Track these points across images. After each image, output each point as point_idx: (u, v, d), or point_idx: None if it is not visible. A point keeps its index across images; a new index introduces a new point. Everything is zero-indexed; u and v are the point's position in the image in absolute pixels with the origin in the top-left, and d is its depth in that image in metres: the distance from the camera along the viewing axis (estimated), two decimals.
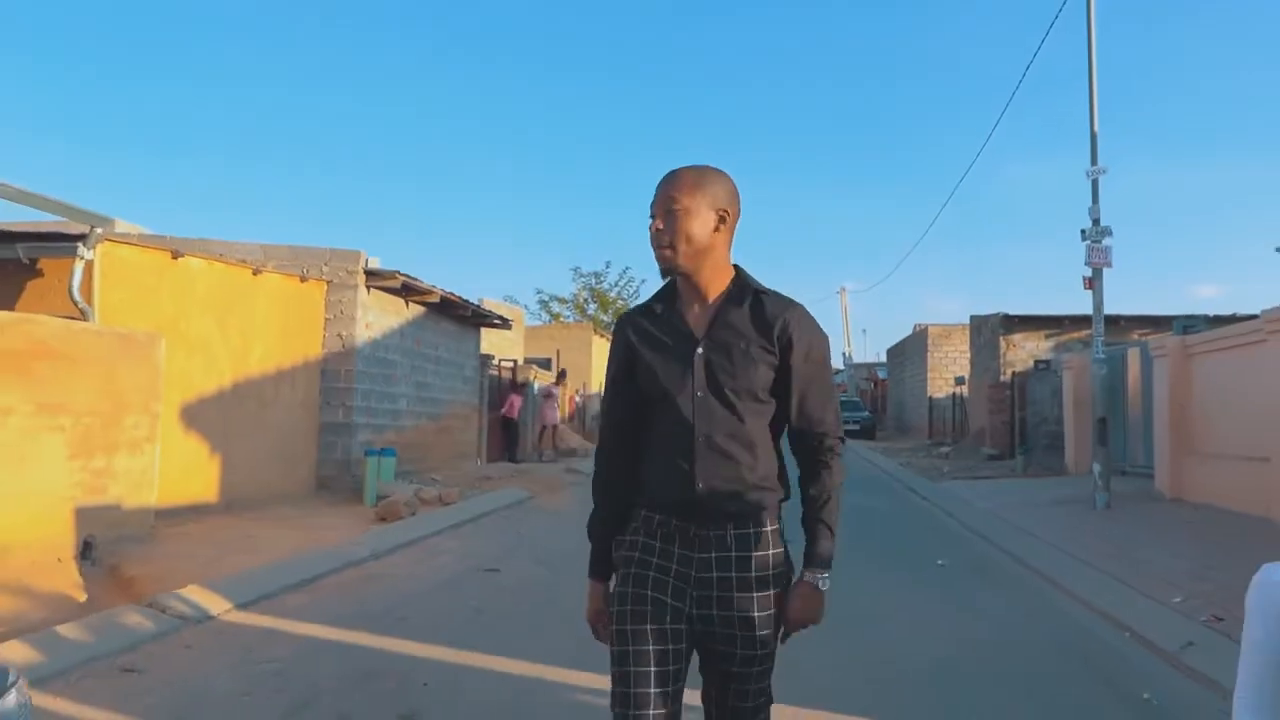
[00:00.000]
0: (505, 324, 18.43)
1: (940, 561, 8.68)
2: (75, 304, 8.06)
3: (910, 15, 76.88)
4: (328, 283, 12.31)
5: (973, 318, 30.66)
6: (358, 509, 11.20)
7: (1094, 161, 11.95)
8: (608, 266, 44.70)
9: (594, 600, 2.22)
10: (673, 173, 2.10)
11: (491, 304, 23.33)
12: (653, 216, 2.08)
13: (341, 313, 12.41)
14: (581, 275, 44.05)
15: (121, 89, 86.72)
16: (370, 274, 12.59)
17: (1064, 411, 17.87)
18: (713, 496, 2.03)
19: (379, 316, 13.19)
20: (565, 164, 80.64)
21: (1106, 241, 11.81)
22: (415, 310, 14.53)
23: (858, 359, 55.49)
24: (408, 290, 13.38)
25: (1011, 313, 26.02)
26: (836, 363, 59.02)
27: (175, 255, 9.55)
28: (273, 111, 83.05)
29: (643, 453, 2.15)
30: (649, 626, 2.02)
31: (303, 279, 11.88)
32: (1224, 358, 11.27)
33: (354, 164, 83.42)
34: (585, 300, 43.65)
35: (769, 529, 2.09)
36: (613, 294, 43.62)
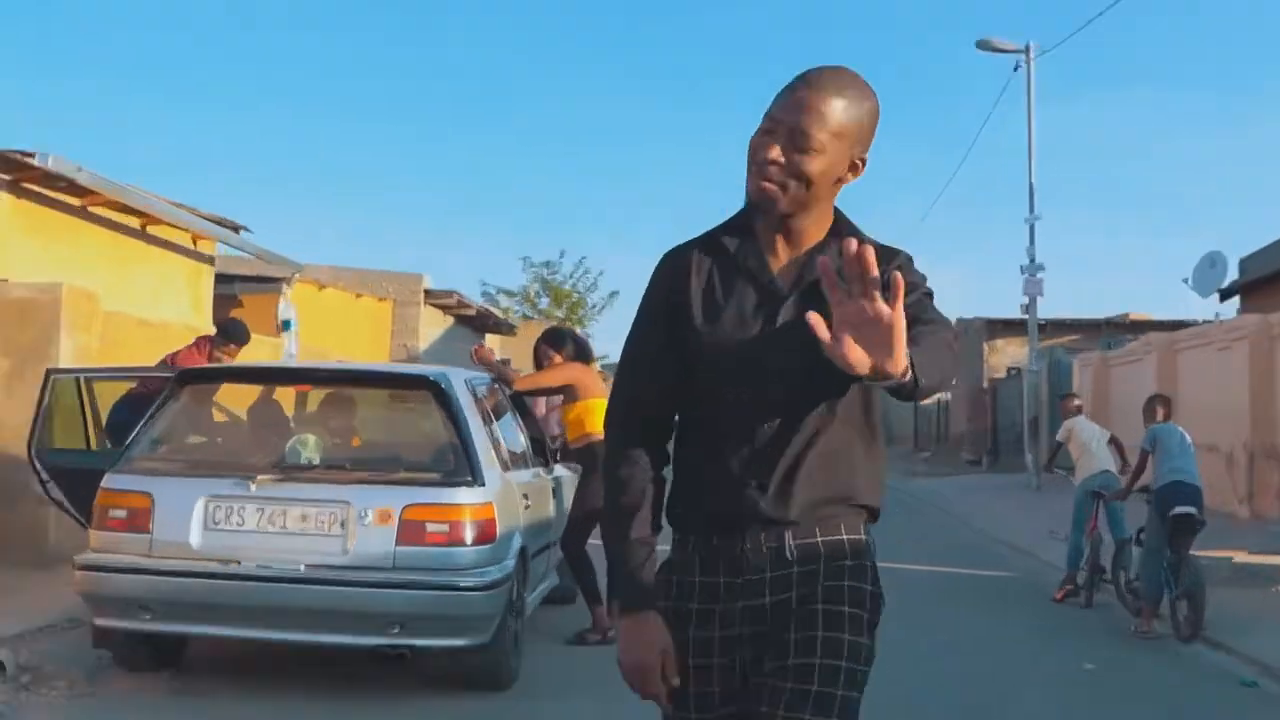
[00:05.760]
0: (512, 330, 24.90)
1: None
2: (278, 324, 14.35)
3: None
4: (394, 301, 18.70)
5: (957, 321, 37.74)
6: None
7: (1031, 210, 18.94)
8: (562, 256, 49.93)
9: (643, 641, 1.96)
10: (821, 94, 1.90)
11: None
12: (769, 132, 1.91)
13: (405, 325, 18.80)
14: (532, 265, 49.61)
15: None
16: (428, 293, 19.04)
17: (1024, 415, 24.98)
18: (778, 504, 1.94)
19: (430, 328, 19.62)
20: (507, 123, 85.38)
21: (1040, 275, 18.82)
22: (449, 320, 21.00)
23: None
24: (458, 306, 19.88)
25: (994, 317, 32.82)
26: None
27: (321, 287, 15.86)
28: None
29: (676, 447, 2.09)
30: (693, 716, 1.99)
31: (380, 300, 18.26)
32: (1126, 369, 18.39)
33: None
34: (536, 294, 49.61)
35: (847, 539, 1.99)
36: (567, 286, 49.71)
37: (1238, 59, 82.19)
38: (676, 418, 2.09)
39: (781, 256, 2.00)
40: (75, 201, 10.71)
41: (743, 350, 1.95)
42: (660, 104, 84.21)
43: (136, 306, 10.90)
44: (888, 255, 1.92)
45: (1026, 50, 18.94)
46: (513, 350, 37.98)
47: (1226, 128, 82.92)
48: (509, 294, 49.47)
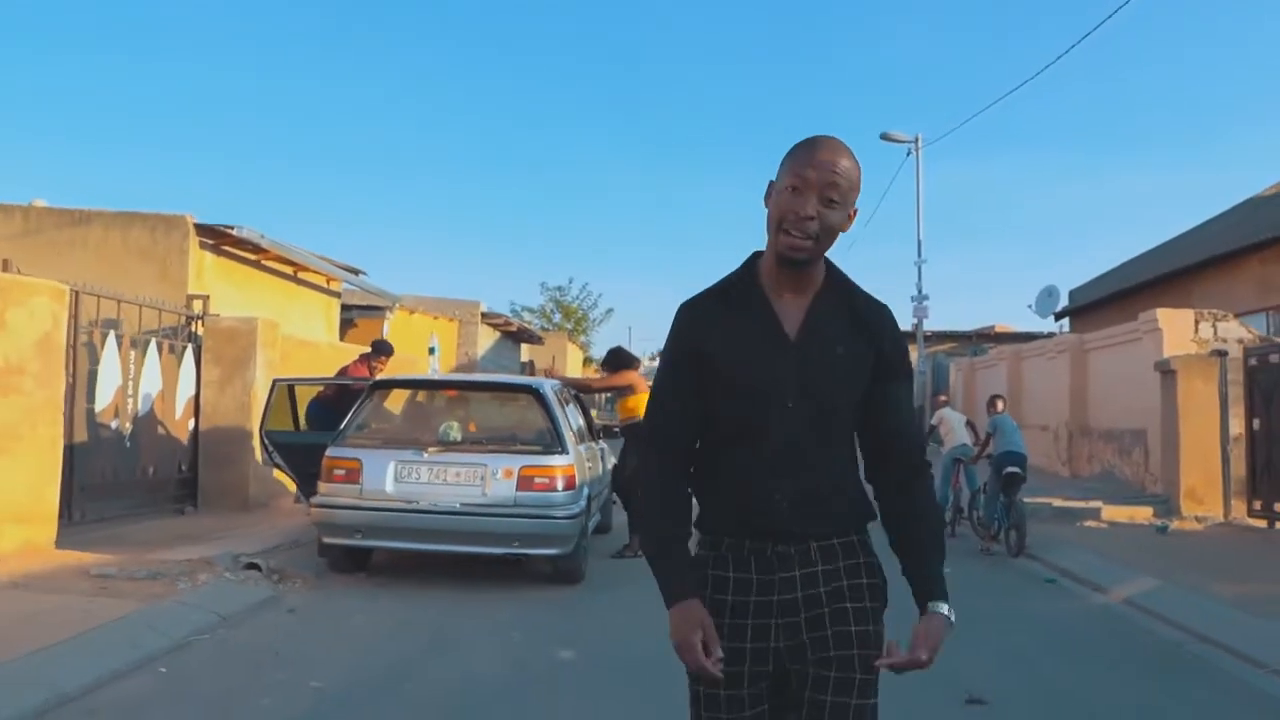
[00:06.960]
0: (540, 340, 25.98)
1: None
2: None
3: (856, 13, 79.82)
4: (460, 321, 19.76)
5: None
6: None
7: (919, 255, 20.17)
8: (570, 282, 51.59)
9: (687, 622, 1.72)
10: (838, 156, 1.74)
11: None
12: (799, 191, 1.72)
13: (467, 338, 19.86)
14: (548, 289, 51.04)
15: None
16: (483, 315, 20.10)
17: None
18: (801, 515, 1.77)
19: (485, 340, 20.68)
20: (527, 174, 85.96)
21: (925, 303, 20.06)
22: (497, 334, 22.06)
23: None
24: (504, 324, 20.95)
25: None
26: None
27: (411, 312, 16.91)
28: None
29: (707, 466, 1.86)
30: (724, 693, 1.77)
31: (450, 320, 19.32)
32: (986, 370, 19.65)
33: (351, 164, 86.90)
34: (551, 311, 50.77)
35: (856, 539, 1.84)
36: (574, 305, 50.91)
37: (1090, 128, 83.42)
38: (698, 443, 1.88)
39: (789, 304, 1.80)
40: (253, 257, 11.78)
41: (769, 390, 1.77)
42: (647, 164, 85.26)
43: (294, 330, 11.99)
44: (879, 306, 1.87)
45: (916, 141, 20.17)
46: (539, 354, 39.09)
47: (1073, 184, 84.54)
48: (530, 311, 50.60)
